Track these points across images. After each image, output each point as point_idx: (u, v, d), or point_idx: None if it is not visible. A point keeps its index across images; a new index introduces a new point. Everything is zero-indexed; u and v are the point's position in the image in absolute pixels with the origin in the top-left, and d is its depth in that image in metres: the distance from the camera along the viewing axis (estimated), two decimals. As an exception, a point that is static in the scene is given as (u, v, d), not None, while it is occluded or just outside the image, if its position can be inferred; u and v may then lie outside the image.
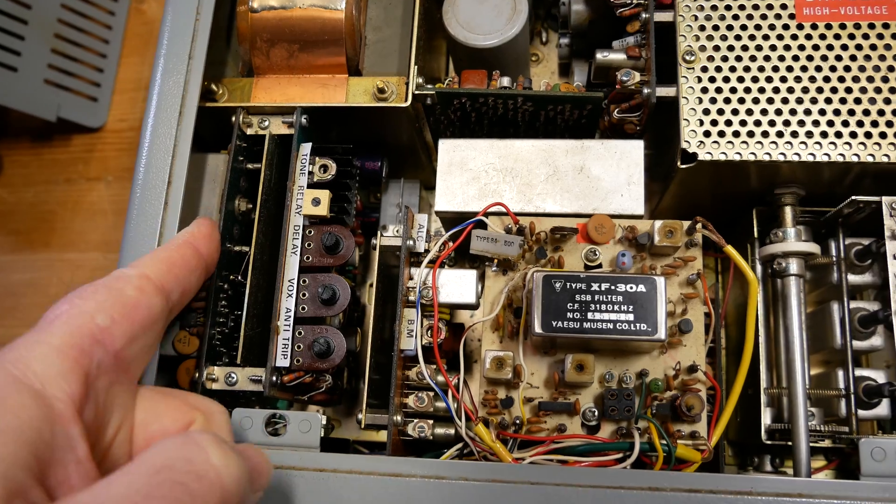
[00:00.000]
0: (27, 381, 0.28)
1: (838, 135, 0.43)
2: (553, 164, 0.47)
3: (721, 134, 0.44)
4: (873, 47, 0.44)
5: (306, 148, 0.47)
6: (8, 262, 0.74)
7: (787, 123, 0.44)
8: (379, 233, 0.47)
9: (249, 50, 0.49)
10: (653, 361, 0.44)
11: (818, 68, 0.44)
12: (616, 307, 0.41)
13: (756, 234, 0.48)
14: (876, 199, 0.44)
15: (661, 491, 0.36)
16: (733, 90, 0.44)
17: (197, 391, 0.43)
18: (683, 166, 0.44)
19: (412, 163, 0.56)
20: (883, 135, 0.43)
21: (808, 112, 0.44)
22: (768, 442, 0.46)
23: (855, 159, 0.43)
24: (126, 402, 0.33)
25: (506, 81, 0.49)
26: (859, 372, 0.45)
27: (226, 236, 0.45)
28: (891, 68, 0.44)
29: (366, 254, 0.56)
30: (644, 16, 0.47)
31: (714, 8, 0.46)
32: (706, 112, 0.44)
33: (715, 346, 0.44)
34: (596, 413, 0.43)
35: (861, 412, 0.44)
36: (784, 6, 0.45)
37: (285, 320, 0.44)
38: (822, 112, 0.44)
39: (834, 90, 0.44)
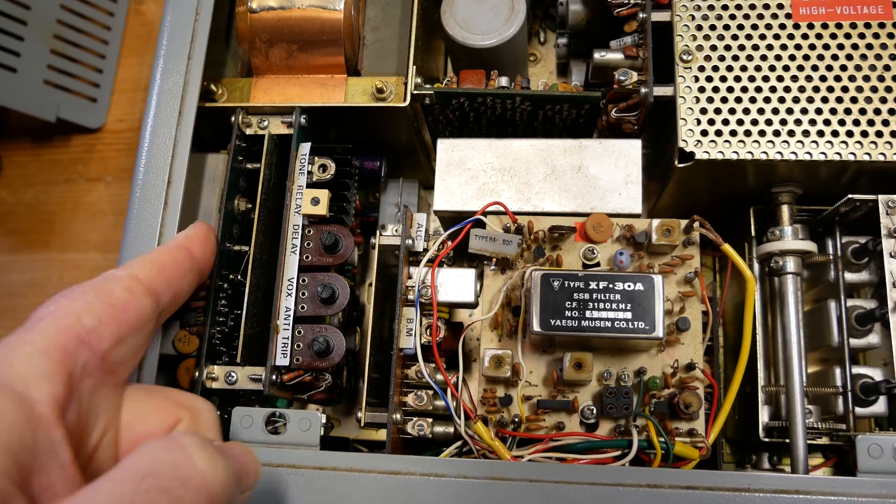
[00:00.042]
0: (9, 383, 0.27)
1: (834, 134, 0.43)
2: (551, 163, 0.47)
3: (718, 133, 0.44)
4: (869, 46, 0.44)
5: (305, 148, 0.47)
6: (7, 262, 0.74)
7: (783, 122, 0.44)
8: (378, 232, 0.47)
9: (248, 50, 0.49)
10: (651, 359, 0.44)
11: (814, 67, 0.44)
12: (614, 305, 0.41)
13: (753, 233, 0.48)
14: (872, 197, 0.44)
15: (659, 488, 0.37)
16: (730, 89, 0.45)
17: (197, 390, 0.43)
18: (681, 165, 0.44)
19: (411, 162, 0.56)
20: (879, 133, 0.43)
21: (804, 111, 0.44)
22: (766, 439, 0.46)
23: (851, 158, 0.43)
24: (112, 404, 0.33)
25: (504, 81, 0.49)
26: (856, 369, 0.45)
27: (225, 236, 0.46)
28: (886, 67, 0.44)
29: (365, 253, 0.56)
30: (641, 16, 0.48)
31: (711, 7, 0.46)
32: (703, 111, 0.44)
33: (713, 345, 0.44)
34: (594, 411, 0.43)
35: (858, 409, 0.45)
36: (780, 6, 0.46)
37: (285, 319, 0.44)
38: (819, 111, 0.44)
39: (830, 89, 0.44)
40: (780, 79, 0.44)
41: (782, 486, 0.36)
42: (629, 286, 0.41)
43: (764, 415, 0.47)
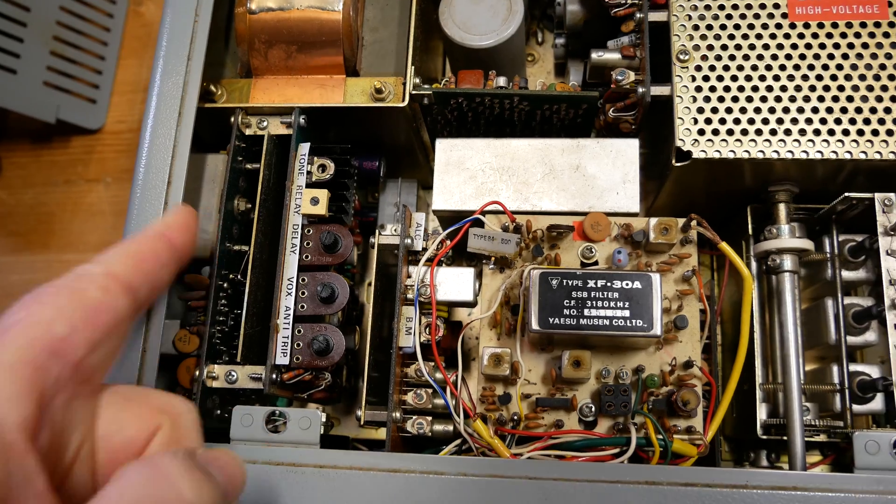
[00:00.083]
0: None
1: (831, 132, 0.44)
2: (549, 162, 0.48)
3: (715, 132, 0.44)
4: (865, 46, 0.45)
5: (304, 148, 0.47)
6: (7, 263, 0.74)
7: (780, 121, 0.44)
8: (377, 232, 0.47)
9: (248, 51, 0.50)
10: (649, 357, 0.44)
11: (811, 67, 0.45)
12: (612, 304, 0.41)
13: (750, 231, 0.48)
14: (869, 195, 0.44)
15: (657, 485, 0.37)
16: (727, 89, 0.45)
17: (197, 389, 0.43)
18: (678, 164, 0.44)
19: (410, 162, 0.57)
20: (875, 132, 0.43)
21: (800, 110, 0.44)
22: (764, 437, 0.47)
23: (847, 157, 0.43)
24: (87, 415, 0.30)
25: (502, 81, 0.49)
26: (853, 367, 0.45)
27: (225, 236, 0.46)
28: (882, 66, 0.44)
29: (364, 253, 0.57)
30: (638, 16, 0.48)
31: (707, 7, 0.46)
32: (700, 111, 0.45)
33: (710, 342, 0.45)
34: (593, 409, 0.43)
35: (855, 407, 0.45)
36: (777, 5, 0.46)
37: (285, 318, 0.44)
38: (815, 110, 0.44)
39: (826, 88, 0.44)
40: (776, 78, 0.45)
41: (780, 482, 0.36)
42: (627, 284, 0.41)
43: (762, 412, 0.47)
